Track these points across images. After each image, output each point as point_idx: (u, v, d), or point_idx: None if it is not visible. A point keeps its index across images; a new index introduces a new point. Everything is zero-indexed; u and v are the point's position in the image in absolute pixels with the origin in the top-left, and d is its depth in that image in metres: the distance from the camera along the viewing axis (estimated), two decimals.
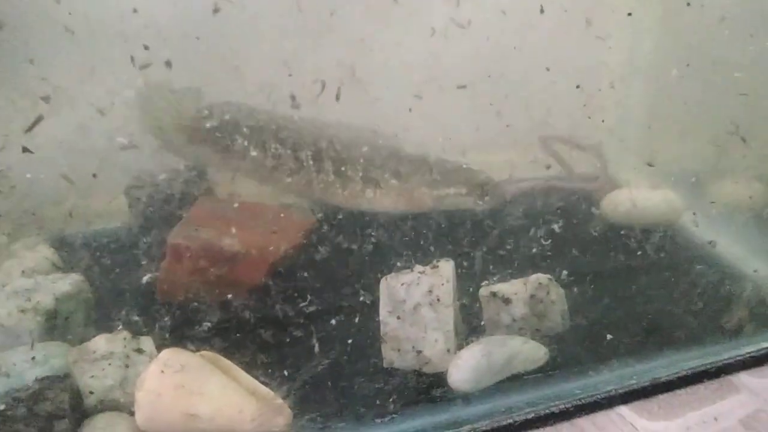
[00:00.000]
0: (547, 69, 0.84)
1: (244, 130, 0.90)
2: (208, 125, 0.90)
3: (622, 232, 0.94)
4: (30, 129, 0.74)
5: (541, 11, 0.80)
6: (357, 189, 0.90)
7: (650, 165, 0.85)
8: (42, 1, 0.77)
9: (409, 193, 0.90)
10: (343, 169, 0.90)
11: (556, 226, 0.86)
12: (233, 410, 0.67)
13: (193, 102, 0.91)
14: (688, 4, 0.85)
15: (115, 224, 0.94)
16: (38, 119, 0.74)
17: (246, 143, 0.90)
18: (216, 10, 0.76)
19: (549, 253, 0.86)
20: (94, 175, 0.80)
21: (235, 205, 0.93)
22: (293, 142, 0.91)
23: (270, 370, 0.73)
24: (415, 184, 0.90)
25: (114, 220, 0.94)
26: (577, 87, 0.87)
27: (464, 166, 0.94)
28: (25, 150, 0.76)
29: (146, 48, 0.75)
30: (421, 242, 0.85)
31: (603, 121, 0.88)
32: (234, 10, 0.76)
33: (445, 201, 0.91)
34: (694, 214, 0.92)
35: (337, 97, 0.78)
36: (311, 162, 0.90)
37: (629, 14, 0.87)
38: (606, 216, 0.98)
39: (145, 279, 0.83)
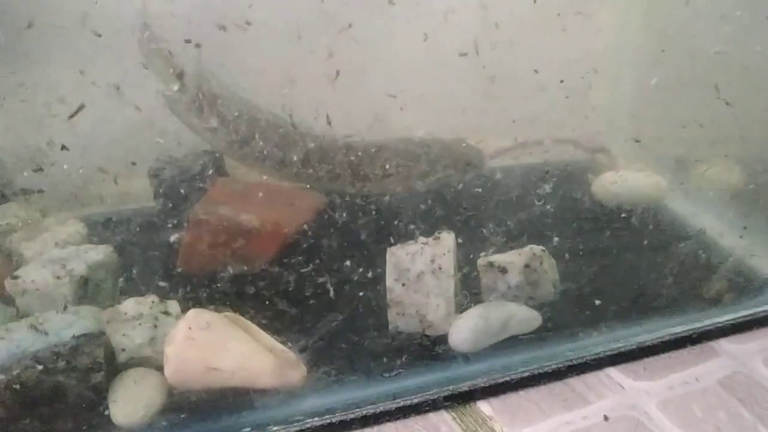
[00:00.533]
0: (536, 71, 0.90)
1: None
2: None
3: (611, 210, 1.00)
4: (73, 115, 0.80)
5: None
6: (347, 182, 0.97)
7: (637, 141, 0.91)
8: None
9: (398, 182, 0.96)
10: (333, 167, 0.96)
11: (549, 205, 0.92)
12: (253, 364, 0.73)
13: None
14: None
15: (140, 204, 1.00)
16: (80, 108, 0.80)
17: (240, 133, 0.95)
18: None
19: (543, 228, 0.92)
20: (134, 164, 0.87)
21: (250, 185, 0.99)
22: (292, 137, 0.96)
23: (286, 331, 0.79)
24: (403, 176, 0.96)
25: (139, 201, 1.00)
26: (561, 82, 0.93)
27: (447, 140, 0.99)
28: (63, 148, 0.84)
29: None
30: (425, 217, 0.91)
31: (586, 117, 0.94)
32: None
33: (435, 183, 0.97)
34: (682, 183, 0.98)
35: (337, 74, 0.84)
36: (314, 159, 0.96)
37: None
38: (596, 195, 1.04)
39: (168, 248, 0.90)
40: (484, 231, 0.89)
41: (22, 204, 0.95)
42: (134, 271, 0.87)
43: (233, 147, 0.96)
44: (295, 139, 0.96)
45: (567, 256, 0.89)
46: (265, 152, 0.95)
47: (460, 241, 0.84)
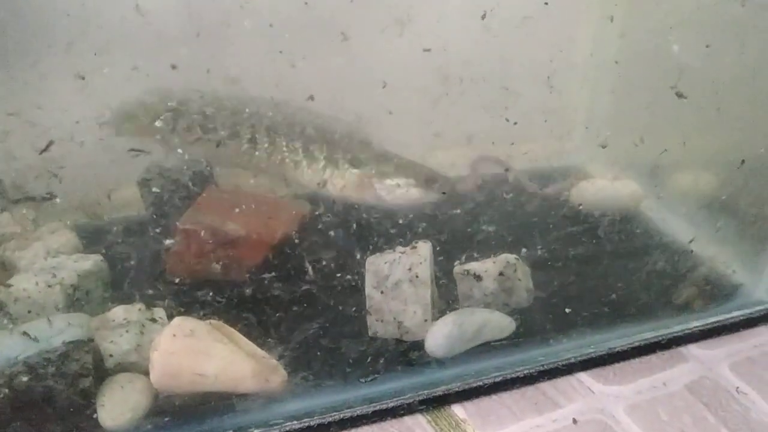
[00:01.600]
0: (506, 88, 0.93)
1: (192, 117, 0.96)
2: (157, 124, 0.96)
3: (586, 217, 1.03)
4: (43, 151, 0.84)
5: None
6: (319, 169, 0.97)
7: (603, 147, 0.94)
8: None
9: (360, 180, 0.97)
10: (310, 149, 0.97)
11: (526, 212, 0.96)
12: (235, 370, 0.77)
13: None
14: None
15: (129, 213, 1.03)
16: (50, 144, 0.84)
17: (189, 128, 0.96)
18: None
19: (517, 237, 0.95)
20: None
21: (237, 194, 1.02)
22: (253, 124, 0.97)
23: (267, 338, 0.83)
24: (367, 174, 0.97)
25: (128, 209, 1.03)
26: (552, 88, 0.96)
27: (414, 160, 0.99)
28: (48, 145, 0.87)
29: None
30: (404, 227, 0.94)
31: (545, 121, 0.97)
32: None
33: (395, 192, 0.96)
34: (659, 197, 1.01)
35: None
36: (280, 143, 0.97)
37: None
38: (575, 202, 1.07)
39: (156, 257, 0.93)
40: (460, 239, 0.92)
41: (16, 214, 0.99)
42: (123, 280, 0.90)
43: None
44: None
45: (541, 263, 0.92)
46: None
47: (437, 250, 0.87)
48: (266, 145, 0.98)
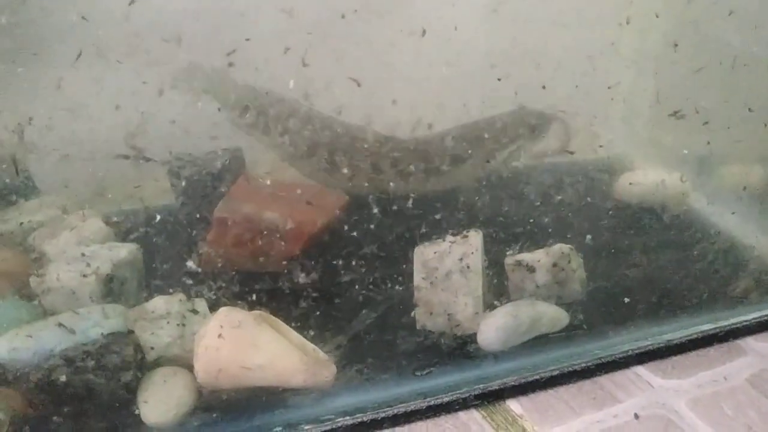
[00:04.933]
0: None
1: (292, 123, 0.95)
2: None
3: (634, 210, 1.00)
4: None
5: None
6: (419, 179, 0.96)
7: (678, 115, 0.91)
8: None
9: (472, 167, 0.96)
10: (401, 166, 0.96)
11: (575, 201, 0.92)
12: (284, 364, 0.73)
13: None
14: None
15: (162, 201, 0.99)
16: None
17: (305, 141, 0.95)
18: None
19: (568, 227, 0.92)
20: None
21: (268, 182, 0.99)
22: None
23: (315, 330, 0.79)
24: (474, 160, 0.96)
25: (160, 199, 0.99)
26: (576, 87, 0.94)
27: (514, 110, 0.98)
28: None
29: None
30: (452, 215, 0.91)
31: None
32: None
33: (508, 157, 0.96)
34: (744, 188, 0.98)
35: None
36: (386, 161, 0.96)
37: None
38: (618, 195, 1.04)
39: (190, 247, 0.89)
40: (511, 229, 0.88)
41: (45, 201, 0.95)
42: (159, 269, 0.86)
43: (303, 159, 0.97)
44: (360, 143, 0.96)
45: (594, 255, 0.89)
46: (336, 160, 0.95)
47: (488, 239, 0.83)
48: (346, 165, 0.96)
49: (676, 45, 1.00)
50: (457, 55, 0.89)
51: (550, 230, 0.91)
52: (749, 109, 0.95)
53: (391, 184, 0.95)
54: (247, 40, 0.84)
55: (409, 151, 0.96)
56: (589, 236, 0.89)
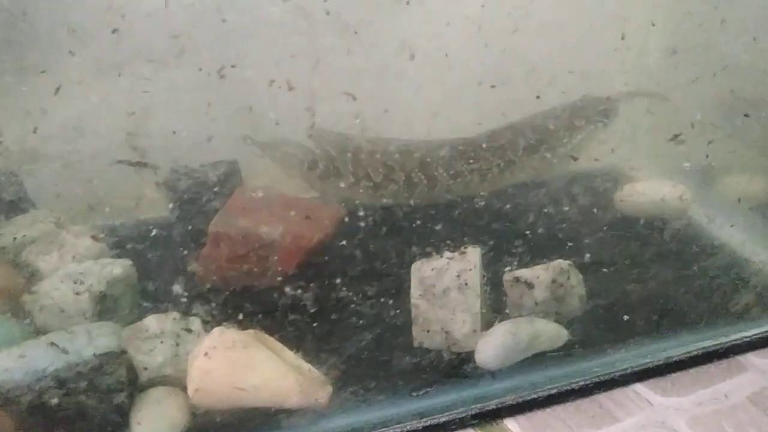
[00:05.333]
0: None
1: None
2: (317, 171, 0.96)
3: (636, 222, 0.99)
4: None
5: None
6: (495, 175, 0.96)
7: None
8: None
9: (543, 160, 0.97)
10: (477, 163, 0.96)
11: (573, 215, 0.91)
12: (279, 384, 0.72)
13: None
14: None
15: (154, 215, 0.98)
16: None
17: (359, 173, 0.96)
18: None
19: (568, 241, 0.91)
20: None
21: (260, 194, 0.98)
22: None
23: (309, 349, 0.78)
24: (546, 150, 0.96)
25: (152, 211, 0.98)
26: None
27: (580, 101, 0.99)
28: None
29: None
30: (448, 230, 0.90)
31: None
32: None
33: (580, 143, 0.97)
34: (738, 200, 0.98)
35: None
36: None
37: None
38: (620, 207, 1.03)
39: (185, 261, 0.88)
40: (510, 245, 0.87)
41: (38, 215, 0.94)
42: (153, 286, 0.85)
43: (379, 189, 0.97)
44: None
45: (594, 270, 0.88)
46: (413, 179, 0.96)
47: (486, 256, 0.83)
48: (423, 179, 0.96)
49: (675, 52, 1.00)
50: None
51: (550, 245, 0.90)
52: (745, 114, 0.94)
53: (470, 183, 0.96)
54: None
55: (481, 149, 0.96)
56: (588, 253, 0.88)
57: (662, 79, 1.03)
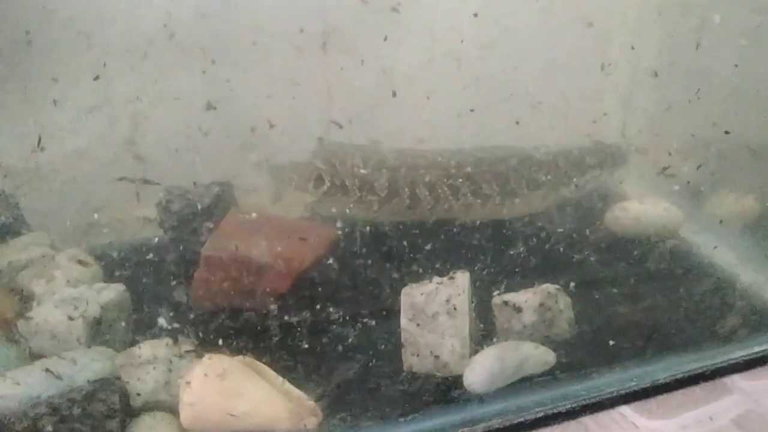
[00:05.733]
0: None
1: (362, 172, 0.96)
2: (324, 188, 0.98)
3: (624, 243, 1.00)
4: None
5: None
6: (496, 203, 0.96)
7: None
8: None
9: (545, 194, 0.98)
10: (481, 188, 0.96)
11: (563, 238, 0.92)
12: (269, 411, 0.73)
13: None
14: None
15: (147, 235, 0.99)
16: None
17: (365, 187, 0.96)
18: None
19: (557, 264, 0.92)
20: None
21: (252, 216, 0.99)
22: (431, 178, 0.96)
23: (300, 374, 0.79)
24: (551, 186, 0.97)
25: (146, 231, 0.99)
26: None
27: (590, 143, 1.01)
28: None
29: None
30: (438, 254, 0.91)
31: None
32: None
33: (585, 187, 1.00)
34: (720, 221, 0.99)
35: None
36: (447, 192, 0.96)
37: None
38: (610, 226, 1.04)
39: (179, 287, 0.90)
40: (498, 268, 0.88)
41: (34, 238, 0.95)
42: (146, 310, 0.86)
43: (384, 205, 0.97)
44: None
45: (582, 292, 0.89)
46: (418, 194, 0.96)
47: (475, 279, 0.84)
48: (428, 197, 0.96)
49: (656, 74, 1.01)
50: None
51: (538, 267, 0.91)
52: (726, 131, 0.94)
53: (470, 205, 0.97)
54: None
55: (488, 173, 0.97)
56: (576, 276, 0.89)
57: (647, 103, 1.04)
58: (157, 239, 0.97)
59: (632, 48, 0.98)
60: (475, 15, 0.87)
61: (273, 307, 0.86)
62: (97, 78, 0.87)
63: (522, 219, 0.96)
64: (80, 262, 0.89)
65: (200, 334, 0.82)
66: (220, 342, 0.82)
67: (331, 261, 0.90)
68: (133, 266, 0.93)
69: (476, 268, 0.86)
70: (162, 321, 0.83)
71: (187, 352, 0.78)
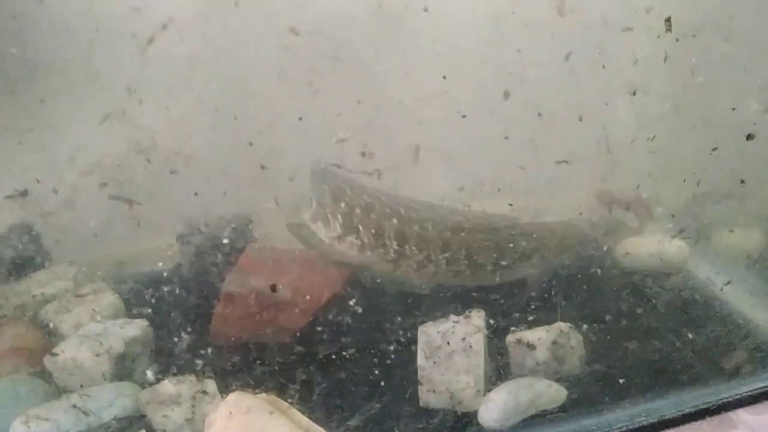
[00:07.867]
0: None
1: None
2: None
3: (633, 280, 1.03)
4: None
5: None
6: (488, 271, 0.97)
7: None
8: None
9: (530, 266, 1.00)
10: (474, 258, 0.96)
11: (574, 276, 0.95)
12: None
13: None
14: None
15: (166, 266, 1.01)
16: None
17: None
18: None
19: (568, 302, 0.95)
20: None
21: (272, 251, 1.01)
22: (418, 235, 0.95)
23: (319, 410, 0.81)
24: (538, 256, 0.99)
25: (165, 263, 1.01)
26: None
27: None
28: None
29: None
30: (454, 293, 0.93)
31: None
32: None
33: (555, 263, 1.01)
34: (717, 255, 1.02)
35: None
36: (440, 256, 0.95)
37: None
38: (619, 262, 1.07)
39: (198, 319, 0.92)
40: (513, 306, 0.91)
41: (57, 271, 0.97)
42: (168, 346, 0.88)
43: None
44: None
45: (592, 329, 0.91)
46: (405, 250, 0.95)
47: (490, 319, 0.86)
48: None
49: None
50: None
51: (550, 306, 0.93)
52: (741, 181, 0.97)
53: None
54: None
55: (482, 242, 0.97)
56: (586, 314, 0.91)
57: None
58: (175, 271, 1.00)
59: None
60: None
61: (292, 343, 0.89)
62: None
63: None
64: (103, 296, 0.91)
65: (222, 372, 0.84)
66: (239, 378, 0.84)
67: (348, 297, 0.92)
68: (153, 300, 0.94)
69: (490, 307, 0.88)
70: (184, 357, 0.86)
71: (219, 383, 0.80)
